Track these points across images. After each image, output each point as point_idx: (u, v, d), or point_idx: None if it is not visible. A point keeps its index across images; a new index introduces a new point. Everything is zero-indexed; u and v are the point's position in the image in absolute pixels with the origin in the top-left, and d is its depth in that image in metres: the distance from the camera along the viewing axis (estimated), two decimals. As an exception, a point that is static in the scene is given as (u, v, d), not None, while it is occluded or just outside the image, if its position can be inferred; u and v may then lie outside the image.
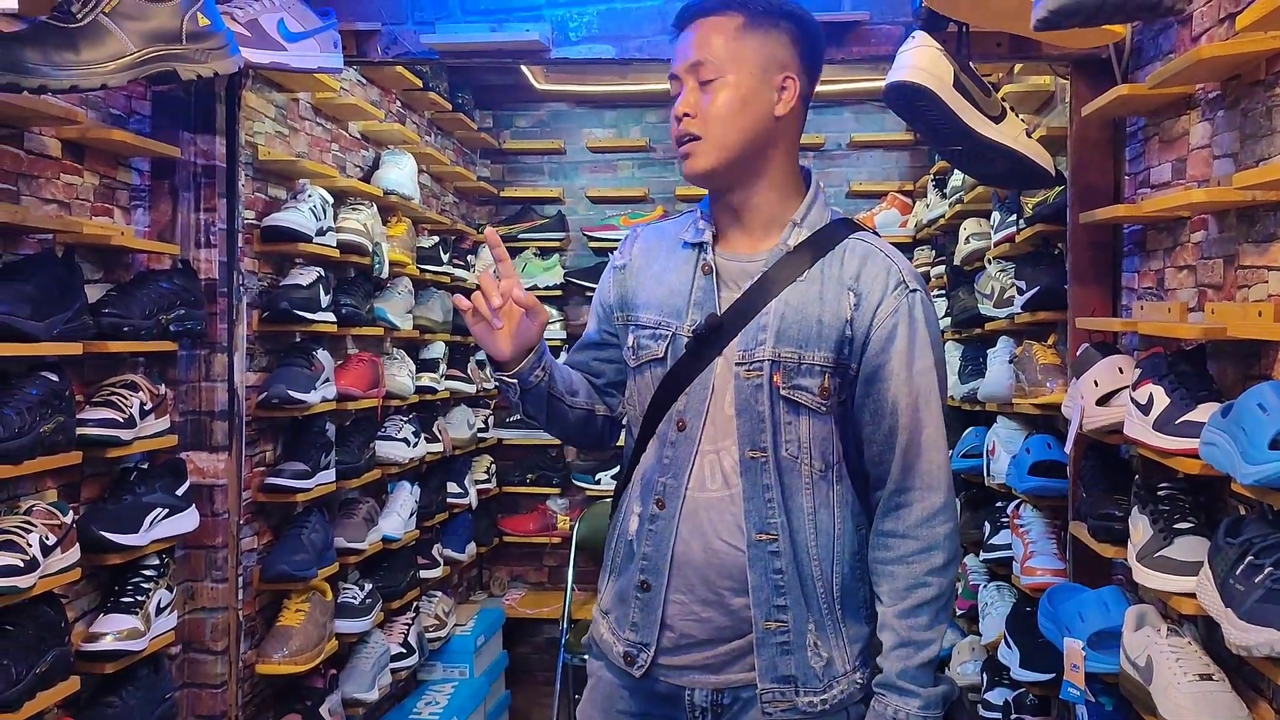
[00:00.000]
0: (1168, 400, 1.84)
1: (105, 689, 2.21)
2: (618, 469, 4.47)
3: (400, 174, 3.50)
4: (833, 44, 2.50)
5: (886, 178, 4.60)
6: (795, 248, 1.52)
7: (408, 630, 3.53)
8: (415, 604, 3.68)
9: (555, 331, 4.51)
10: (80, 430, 2.08)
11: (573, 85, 4.62)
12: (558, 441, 4.61)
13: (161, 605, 2.32)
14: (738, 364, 1.50)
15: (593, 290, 4.50)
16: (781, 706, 1.48)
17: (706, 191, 1.60)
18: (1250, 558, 1.54)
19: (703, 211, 1.61)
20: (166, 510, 2.32)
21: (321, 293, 2.95)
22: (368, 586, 3.24)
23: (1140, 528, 1.93)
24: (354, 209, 3.22)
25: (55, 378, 1.99)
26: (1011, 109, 2.26)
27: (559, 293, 4.60)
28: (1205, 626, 1.89)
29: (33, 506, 1.97)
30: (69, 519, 2.02)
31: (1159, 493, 1.94)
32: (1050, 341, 2.76)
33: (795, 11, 1.54)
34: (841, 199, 4.57)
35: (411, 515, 3.56)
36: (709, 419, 1.51)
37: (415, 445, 3.56)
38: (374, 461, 3.33)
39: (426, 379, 3.79)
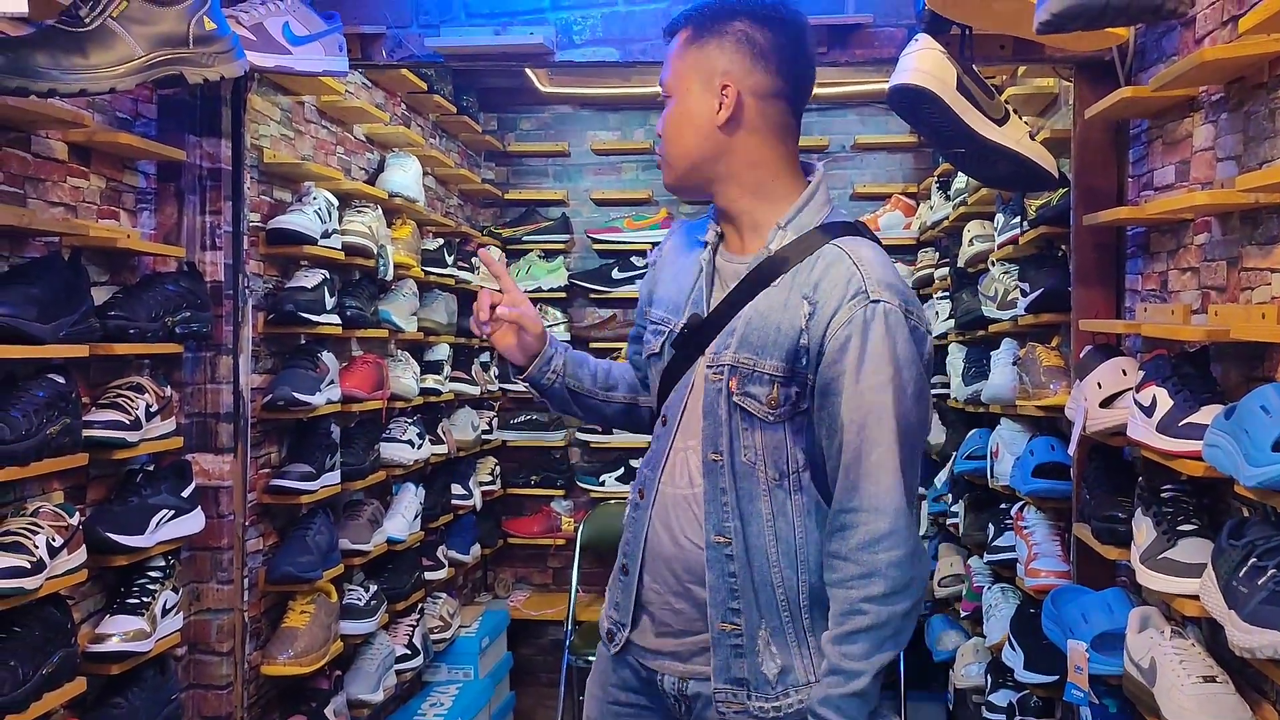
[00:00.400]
0: (1171, 402, 1.85)
1: (111, 690, 2.22)
2: (621, 471, 4.48)
3: (405, 176, 3.51)
4: (836, 47, 2.51)
5: (890, 180, 4.60)
6: (776, 252, 1.51)
7: (412, 632, 3.54)
8: (420, 605, 3.68)
9: (560, 334, 4.51)
10: (86, 432, 2.09)
11: (577, 88, 4.62)
12: (562, 443, 4.64)
13: (167, 606, 2.33)
14: (708, 366, 1.53)
15: (596, 292, 4.58)
16: (734, 708, 1.50)
17: None
18: (1253, 560, 1.54)
19: (714, 211, 1.63)
20: (172, 512, 2.33)
21: (326, 295, 2.96)
22: (372, 588, 3.24)
23: (1144, 530, 1.93)
24: (359, 211, 3.23)
25: (61, 380, 2.00)
26: (1014, 111, 2.26)
27: (563, 295, 4.60)
28: (1209, 628, 1.89)
29: (39, 508, 1.97)
30: (75, 520, 2.02)
31: (1162, 495, 1.94)
32: (1054, 343, 2.77)
33: (751, 8, 1.51)
34: (846, 201, 4.57)
35: (416, 517, 3.57)
36: (684, 417, 1.56)
37: (420, 447, 3.56)
38: (379, 463, 3.34)
39: (431, 381, 3.80)
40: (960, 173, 3.50)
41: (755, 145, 1.53)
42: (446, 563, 3.90)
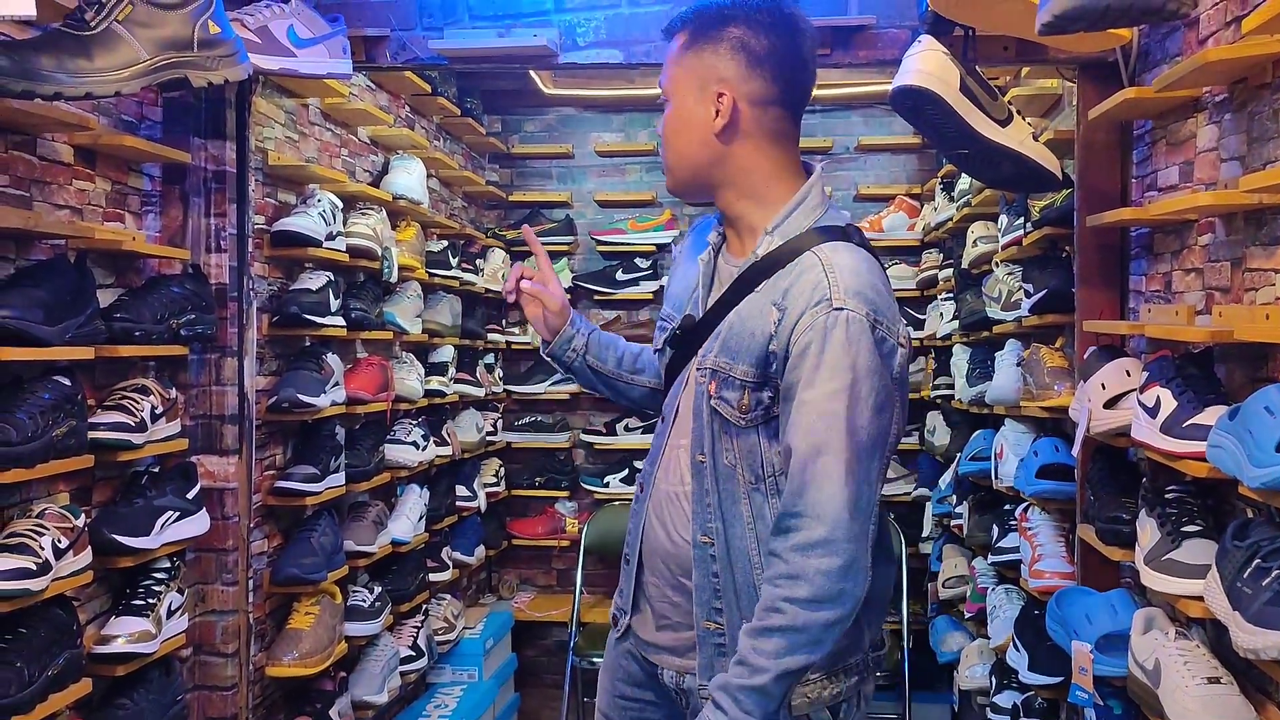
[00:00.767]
0: (1175, 403, 1.84)
1: (117, 691, 2.23)
2: (625, 472, 4.48)
3: (409, 179, 3.52)
4: (839, 48, 2.51)
5: (894, 181, 4.60)
6: (762, 257, 1.51)
7: (417, 633, 3.54)
8: (424, 607, 3.69)
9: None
10: (92, 434, 2.09)
11: (581, 90, 4.63)
12: (566, 445, 4.64)
13: (172, 608, 2.33)
14: (697, 368, 1.55)
15: (600, 294, 4.58)
16: None
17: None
18: (1258, 560, 1.54)
19: (718, 213, 1.65)
20: (177, 513, 2.33)
21: (331, 297, 2.96)
22: (377, 589, 3.25)
23: (1148, 530, 1.93)
24: (363, 213, 3.23)
25: (67, 382, 2.01)
26: (1018, 112, 2.26)
27: (567, 296, 4.59)
28: (1213, 629, 1.88)
29: (45, 510, 1.98)
30: (80, 522, 2.03)
31: (1167, 495, 1.94)
32: (1058, 344, 2.76)
33: (747, 13, 1.50)
34: (849, 202, 4.57)
35: (420, 518, 3.57)
36: (678, 416, 1.59)
37: (424, 448, 3.57)
38: (383, 465, 3.34)
39: (435, 382, 3.81)
40: (964, 174, 3.50)
41: (751, 151, 1.53)
42: (451, 564, 3.91)
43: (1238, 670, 1.78)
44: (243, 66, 1.99)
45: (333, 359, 2.99)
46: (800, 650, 1.38)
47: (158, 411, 2.30)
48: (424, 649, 3.56)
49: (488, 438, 4.39)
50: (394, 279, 3.38)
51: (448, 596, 3.95)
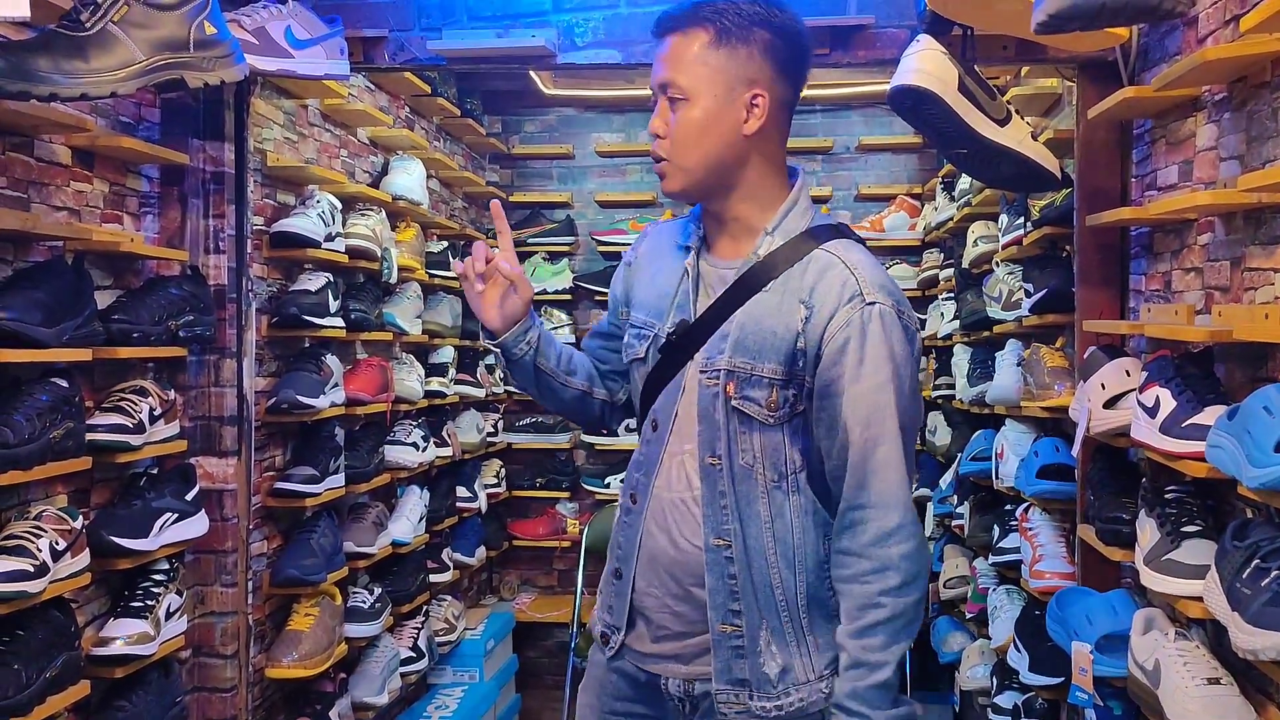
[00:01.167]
0: (1174, 403, 1.84)
1: (115, 693, 2.23)
2: (625, 473, 4.47)
3: (409, 179, 3.52)
4: (838, 48, 2.50)
5: (895, 181, 4.60)
6: (765, 257, 1.52)
7: (417, 634, 3.54)
8: (425, 608, 3.69)
9: (564, 336, 4.51)
10: (90, 436, 2.09)
11: (581, 90, 4.63)
12: (567, 446, 4.64)
13: (171, 610, 2.33)
14: (701, 371, 1.53)
15: (602, 294, 4.58)
16: (736, 708, 1.51)
17: None
18: (1257, 561, 1.53)
19: (694, 216, 1.62)
20: (176, 515, 2.33)
21: (330, 298, 2.96)
22: (377, 591, 3.25)
23: (1148, 531, 1.93)
24: (363, 214, 3.23)
25: (65, 384, 2.01)
26: (1017, 112, 2.26)
27: (568, 297, 4.60)
28: (1213, 630, 1.88)
29: (43, 512, 1.98)
30: (79, 524, 2.03)
31: (1166, 496, 1.93)
32: (1058, 344, 2.76)
33: (770, 17, 1.51)
34: (850, 202, 4.57)
35: (421, 519, 3.57)
36: (677, 421, 1.55)
37: (424, 449, 3.57)
38: (383, 466, 3.34)
39: (435, 383, 3.80)
40: (964, 174, 3.50)
41: (769, 153, 1.55)
42: (451, 565, 3.91)
43: (1237, 671, 1.78)
44: (239, 67, 1.99)
45: (332, 360, 2.99)
46: (903, 636, 1.45)
47: (156, 413, 2.29)
48: (424, 650, 3.56)
49: (488, 439, 4.39)
50: (394, 280, 3.38)
51: (448, 597, 3.95)
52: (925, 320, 4.26)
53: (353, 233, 3.14)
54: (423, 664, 3.55)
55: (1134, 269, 2.44)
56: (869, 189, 4.55)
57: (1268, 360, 1.77)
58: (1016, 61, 2.59)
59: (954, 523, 3.56)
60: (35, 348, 1.89)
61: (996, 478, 3.05)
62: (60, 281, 1.99)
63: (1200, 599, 1.70)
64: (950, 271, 3.84)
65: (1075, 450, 2.30)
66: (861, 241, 1.56)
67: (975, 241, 3.40)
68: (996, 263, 3.16)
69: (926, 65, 2.09)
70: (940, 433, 3.93)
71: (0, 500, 1.98)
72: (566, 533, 4.58)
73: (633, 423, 1.75)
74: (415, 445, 3.50)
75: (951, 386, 3.70)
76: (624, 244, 4.55)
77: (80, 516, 2.05)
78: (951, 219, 3.76)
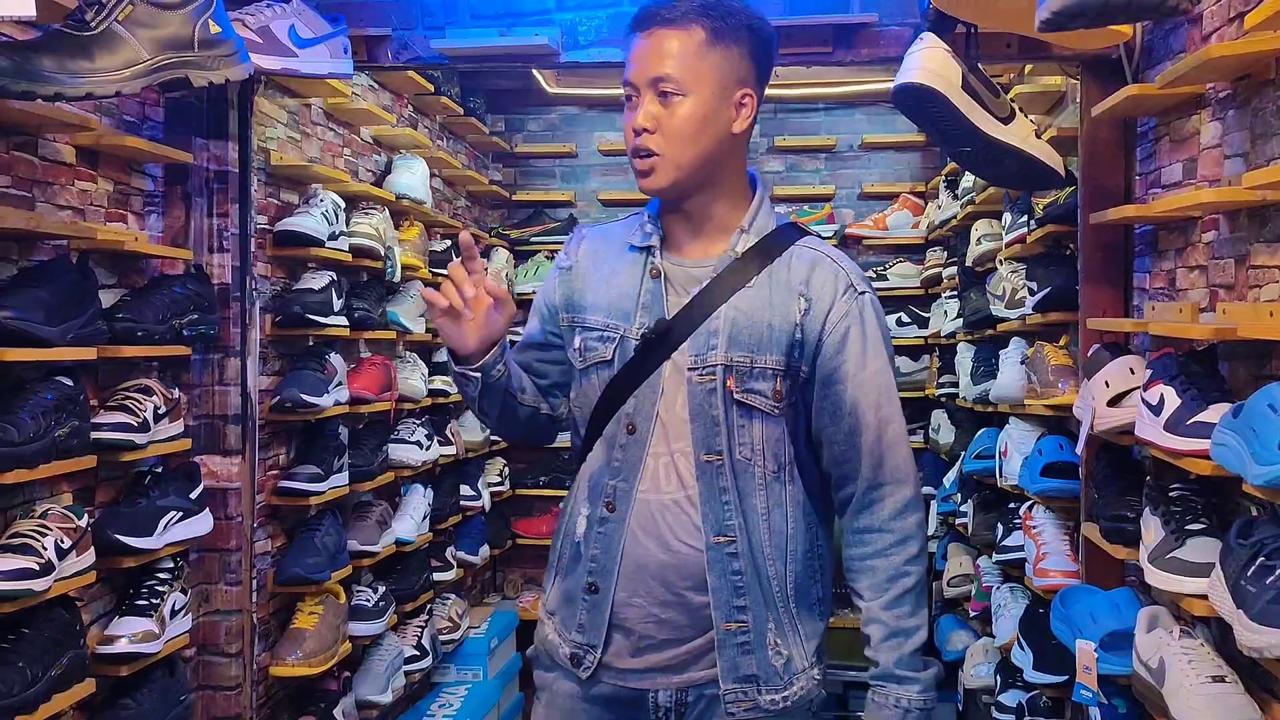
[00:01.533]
0: (1179, 401, 1.84)
1: (120, 691, 2.23)
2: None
3: (412, 178, 3.52)
4: (841, 46, 2.51)
5: (898, 179, 4.59)
6: (743, 254, 1.54)
7: (421, 633, 3.54)
8: (429, 606, 3.69)
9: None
10: (95, 434, 2.09)
11: (584, 89, 4.63)
12: (569, 445, 4.63)
13: (176, 608, 2.34)
14: (690, 369, 1.52)
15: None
16: (744, 706, 1.51)
17: None
18: (1261, 559, 1.53)
19: (650, 215, 1.60)
20: (180, 514, 2.34)
21: (334, 297, 2.96)
22: (381, 589, 3.25)
23: (1152, 529, 1.92)
24: (366, 213, 3.23)
25: (70, 382, 2.01)
26: (1020, 110, 2.26)
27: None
28: (1218, 628, 1.88)
29: (48, 510, 1.98)
30: (84, 522, 2.03)
31: (1171, 494, 1.93)
32: (1062, 342, 2.76)
33: (753, 23, 1.54)
34: (854, 200, 4.57)
35: (425, 518, 3.57)
36: (659, 422, 1.53)
37: (428, 448, 3.57)
38: (387, 464, 3.34)
39: (439, 382, 3.80)
40: (967, 172, 3.50)
41: (742, 154, 1.59)
42: (455, 564, 3.91)
43: (1242, 669, 1.78)
44: (243, 66, 1.99)
45: (336, 359, 2.99)
46: (923, 600, 1.54)
47: (160, 412, 2.30)
48: (428, 648, 3.56)
49: (492, 437, 4.39)
50: (397, 279, 3.38)
51: (452, 596, 3.95)
52: (929, 319, 4.26)
53: (356, 231, 3.14)
54: (426, 662, 3.55)
55: (1138, 267, 2.44)
56: (872, 187, 4.55)
57: (1272, 358, 1.77)
58: (1020, 59, 2.59)
59: (958, 521, 3.56)
60: (40, 347, 1.89)
61: (1000, 476, 3.05)
62: (65, 280, 2.00)
63: (1205, 597, 1.70)
64: (954, 270, 3.84)
65: (1080, 448, 2.30)
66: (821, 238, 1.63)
67: (979, 240, 3.40)
68: (1000, 261, 3.16)
69: (930, 63, 2.09)
70: (944, 431, 3.93)
71: (6, 499, 1.98)
72: (570, 531, 4.57)
73: (565, 436, 1.67)
74: (419, 444, 3.50)
75: (955, 385, 3.69)
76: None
77: (85, 515, 2.06)
78: (955, 217, 3.75)
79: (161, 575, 2.32)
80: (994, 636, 3.07)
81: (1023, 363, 2.91)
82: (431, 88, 3.66)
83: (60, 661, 1.93)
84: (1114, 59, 2.41)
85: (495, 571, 4.72)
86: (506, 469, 4.59)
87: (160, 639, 2.25)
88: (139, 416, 2.21)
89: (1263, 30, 1.65)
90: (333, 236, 2.96)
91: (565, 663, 1.57)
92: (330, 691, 2.97)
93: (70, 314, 1.97)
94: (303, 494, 2.84)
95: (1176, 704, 1.78)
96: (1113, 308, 2.48)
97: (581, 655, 1.56)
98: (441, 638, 3.74)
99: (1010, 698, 2.88)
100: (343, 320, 3.02)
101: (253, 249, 2.62)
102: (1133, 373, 2.13)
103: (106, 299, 2.21)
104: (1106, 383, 2.15)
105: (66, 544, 1.95)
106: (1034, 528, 2.77)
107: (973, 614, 3.39)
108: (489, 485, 4.30)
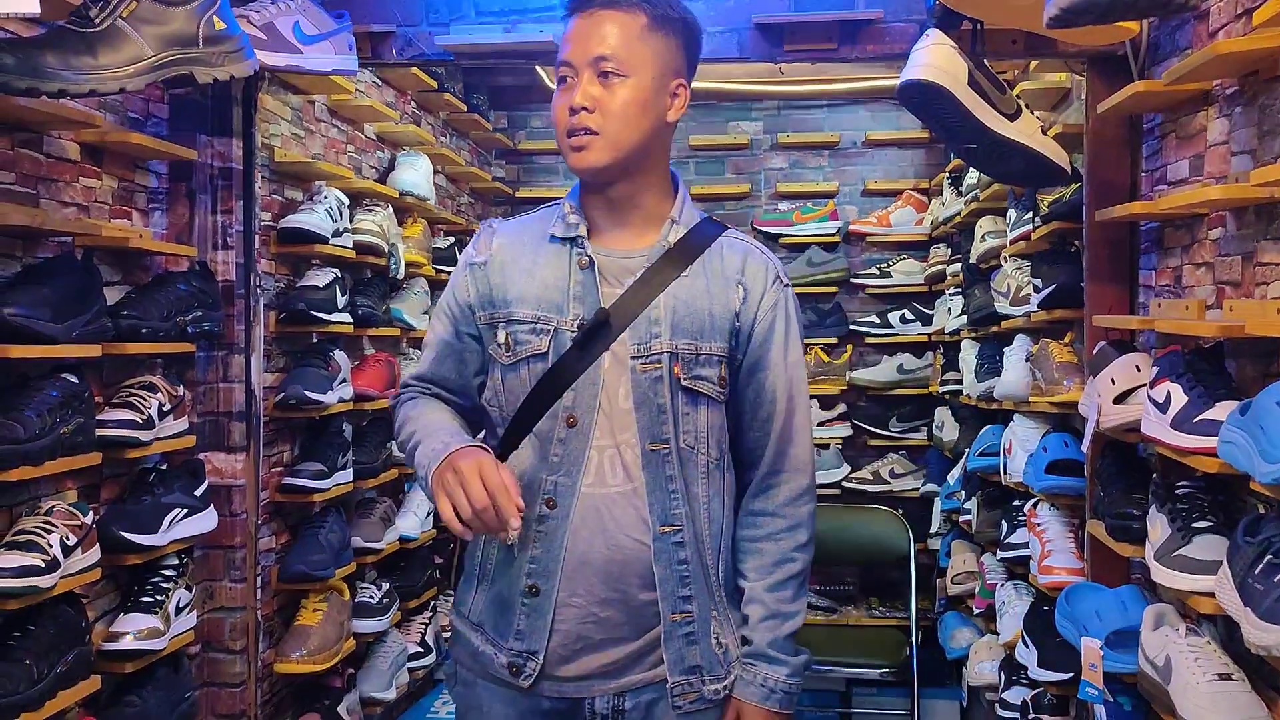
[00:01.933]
0: (1185, 398, 1.83)
1: (125, 688, 2.23)
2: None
3: (416, 175, 3.52)
4: (846, 42, 2.50)
5: (902, 175, 4.58)
6: (675, 244, 1.55)
7: (425, 629, 3.54)
8: (432, 603, 3.69)
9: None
10: (100, 431, 2.10)
11: (587, 85, 4.62)
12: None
13: (181, 605, 2.34)
14: (634, 358, 1.50)
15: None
16: (690, 698, 1.52)
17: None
18: (1269, 557, 1.53)
19: (572, 205, 1.58)
20: (185, 510, 2.34)
21: (338, 294, 2.96)
22: (385, 586, 3.25)
23: (1158, 526, 1.92)
24: (370, 210, 3.23)
25: (75, 379, 2.01)
26: (1026, 106, 2.25)
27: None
28: (1224, 626, 1.87)
29: (53, 507, 1.98)
30: (89, 519, 2.03)
31: (1177, 491, 1.93)
32: (1067, 339, 2.75)
33: (687, 16, 1.57)
34: (857, 197, 4.56)
35: (428, 515, 3.57)
36: (601, 414, 1.49)
37: (432, 445, 3.56)
38: (391, 461, 3.34)
39: (443, 379, 3.80)
40: (972, 168, 3.49)
41: (668, 146, 1.60)
42: (459, 561, 3.90)
43: (1249, 667, 1.77)
44: (248, 63, 1.99)
45: (340, 355, 2.99)
46: (805, 587, 1.59)
47: (165, 409, 2.30)
48: (432, 645, 3.56)
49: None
50: (401, 275, 3.38)
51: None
52: (933, 315, 4.25)
53: (360, 228, 3.14)
54: (430, 659, 3.55)
55: (1144, 264, 2.43)
56: (876, 184, 4.54)
57: (1279, 355, 1.77)
58: (1026, 56, 2.58)
59: (962, 518, 3.55)
60: (45, 344, 1.89)
61: (1004, 473, 3.04)
62: (69, 277, 2.00)
63: (1211, 595, 1.69)
64: (958, 267, 3.84)
65: (1086, 445, 2.30)
66: None
67: (983, 236, 3.39)
68: (1005, 258, 3.15)
69: (936, 60, 2.08)
70: (948, 428, 3.93)
71: (11, 496, 1.98)
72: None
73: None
74: (423, 441, 3.50)
75: (959, 382, 3.69)
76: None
77: (90, 512, 2.06)
78: (959, 214, 3.75)
79: (166, 572, 2.33)
80: (998, 634, 3.06)
81: (1028, 360, 2.91)
82: (435, 84, 3.66)
83: (65, 658, 1.94)
84: (1120, 55, 2.40)
85: (499, 568, 4.71)
86: (510, 466, 4.58)
87: (165, 636, 2.26)
88: (144, 413, 2.21)
89: (1270, 26, 1.64)
90: (336, 233, 2.96)
91: (501, 673, 1.51)
92: (334, 688, 2.98)
93: (75, 311, 1.97)
94: (307, 491, 2.84)
95: (1183, 702, 1.77)
96: (1118, 305, 2.48)
97: (521, 663, 1.49)
98: (445, 635, 3.74)
99: (1015, 695, 2.88)
100: (347, 317, 3.02)
101: (257, 246, 2.62)
102: (1139, 370, 2.12)
103: (111, 296, 2.21)
104: (1112, 380, 2.15)
105: (72, 541, 1.95)
106: (1039, 525, 2.76)
107: (977, 611, 3.38)
108: (492, 482, 4.29)
